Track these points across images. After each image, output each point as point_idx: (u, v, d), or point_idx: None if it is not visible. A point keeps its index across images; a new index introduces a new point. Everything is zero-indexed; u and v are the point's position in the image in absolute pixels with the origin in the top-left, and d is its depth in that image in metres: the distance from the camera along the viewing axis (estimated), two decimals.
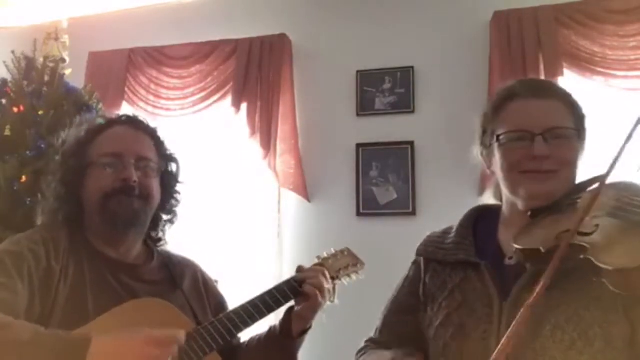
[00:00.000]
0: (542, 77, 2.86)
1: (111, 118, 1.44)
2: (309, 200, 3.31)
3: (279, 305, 1.32)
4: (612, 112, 2.75)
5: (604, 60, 2.94)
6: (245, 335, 1.39)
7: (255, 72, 3.41)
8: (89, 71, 3.68)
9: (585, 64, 2.96)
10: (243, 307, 1.29)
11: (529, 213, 1.07)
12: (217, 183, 3.49)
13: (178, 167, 1.46)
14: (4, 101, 2.66)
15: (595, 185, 0.98)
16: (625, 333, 0.94)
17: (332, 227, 3.20)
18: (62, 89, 2.74)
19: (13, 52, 2.76)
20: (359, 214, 3.23)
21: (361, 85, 3.33)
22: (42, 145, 2.51)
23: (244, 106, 3.40)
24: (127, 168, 1.30)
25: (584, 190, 1.05)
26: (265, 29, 3.46)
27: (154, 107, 3.61)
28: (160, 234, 1.45)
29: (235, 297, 1.42)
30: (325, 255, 1.48)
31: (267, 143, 3.30)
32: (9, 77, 2.73)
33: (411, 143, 3.20)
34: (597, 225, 0.93)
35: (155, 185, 1.35)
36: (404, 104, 3.25)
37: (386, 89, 3.29)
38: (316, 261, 1.46)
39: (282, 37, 3.42)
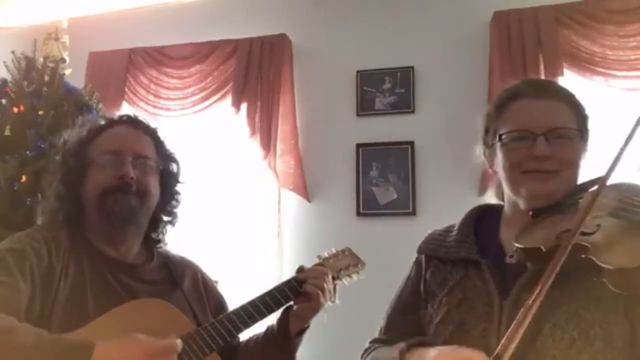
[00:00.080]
0: (542, 77, 2.86)
1: (112, 118, 1.45)
2: (309, 200, 3.31)
3: (279, 305, 1.32)
4: (612, 112, 2.75)
5: (604, 60, 2.94)
6: (244, 336, 1.39)
7: (255, 72, 3.41)
8: (89, 71, 3.68)
9: (585, 64, 2.97)
10: (243, 308, 1.29)
11: (530, 213, 1.07)
12: (217, 183, 3.49)
13: (178, 168, 1.46)
14: (4, 101, 2.66)
15: (597, 186, 0.98)
16: (625, 333, 0.94)
17: (332, 227, 3.20)
18: (62, 89, 2.74)
19: (13, 52, 2.76)
20: (359, 214, 3.23)
21: (361, 85, 3.33)
22: (42, 145, 2.51)
23: (244, 106, 3.40)
24: (125, 165, 1.30)
25: (586, 191, 1.05)
26: (265, 29, 3.46)
27: (154, 107, 3.61)
28: (160, 236, 1.44)
29: (235, 297, 1.42)
30: (326, 255, 1.48)
31: (267, 143, 3.31)
32: (9, 77, 2.73)
33: (411, 143, 3.20)
34: (598, 225, 0.93)
35: (153, 183, 1.35)
36: (404, 104, 3.25)
37: (386, 89, 3.29)
38: (317, 261, 1.46)
39: (282, 37, 3.42)
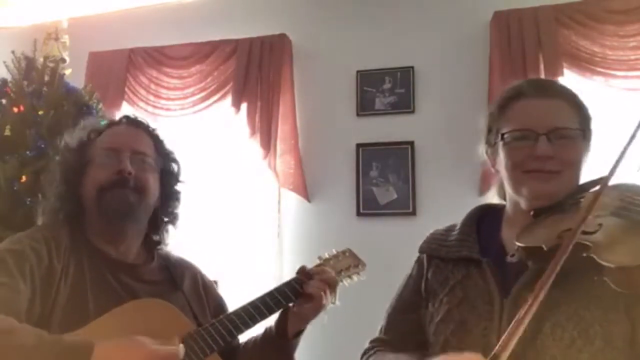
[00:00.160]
0: (542, 77, 2.86)
1: (112, 120, 1.47)
2: (309, 200, 3.31)
3: (280, 306, 1.32)
4: (612, 112, 2.75)
5: (604, 60, 2.94)
6: (244, 337, 1.39)
7: (255, 72, 3.41)
8: (89, 71, 3.68)
9: (585, 64, 2.97)
10: (244, 309, 1.28)
11: (532, 212, 1.07)
12: (217, 183, 3.49)
13: (178, 168, 1.46)
14: (4, 101, 2.66)
15: (599, 186, 0.98)
16: (625, 332, 0.94)
17: (332, 227, 3.20)
18: (62, 89, 2.74)
19: (13, 52, 2.76)
20: (359, 214, 3.23)
21: (361, 85, 3.33)
22: (42, 145, 2.51)
23: (244, 106, 3.40)
24: (123, 161, 1.31)
25: (587, 191, 1.05)
26: (265, 29, 3.46)
27: (154, 107, 3.61)
28: (161, 237, 1.44)
29: (235, 297, 1.42)
30: (326, 256, 1.48)
31: (267, 143, 3.31)
32: (9, 77, 2.73)
33: (411, 143, 3.20)
34: (600, 225, 0.93)
35: (152, 180, 1.35)
36: (404, 104, 3.25)
37: (386, 89, 3.29)
38: (317, 262, 1.46)
39: (282, 37, 3.42)
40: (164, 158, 1.42)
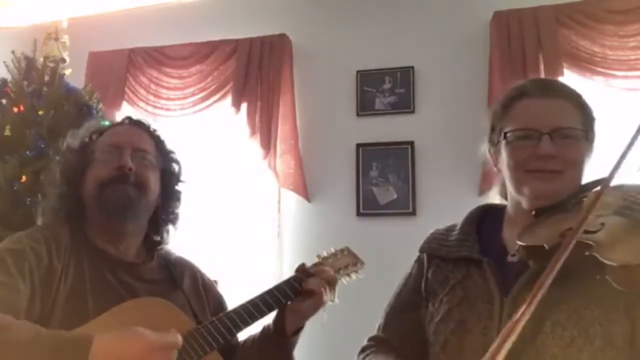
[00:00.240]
0: (542, 77, 2.86)
1: (115, 121, 1.49)
2: (309, 200, 3.31)
3: (279, 304, 1.32)
4: (612, 112, 2.75)
5: (604, 60, 2.94)
6: (243, 335, 1.39)
7: (255, 72, 3.41)
8: (89, 71, 3.68)
9: (585, 64, 2.97)
10: (243, 306, 1.28)
11: (533, 212, 1.07)
12: (217, 183, 3.49)
13: (179, 168, 1.47)
14: (4, 101, 2.67)
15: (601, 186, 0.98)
16: (625, 332, 0.94)
17: (332, 227, 3.20)
18: (62, 89, 2.74)
19: (13, 52, 2.77)
20: (359, 214, 3.23)
21: (361, 85, 3.33)
22: (42, 145, 2.51)
23: (244, 106, 3.40)
24: (123, 157, 1.32)
25: (590, 191, 1.05)
26: (265, 29, 3.46)
27: (154, 107, 3.61)
28: (160, 237, 1.44)
29: (235, 297, 1.42)
30: (325, 254, 1.48)
31: (267, 143, 3.31)
32: (9, 77, 2.73)
33: (411, 143, 3.20)
34: (602, 224, 0.93)
35: (152, 178, 1.35)
36: (404, 104, 3.25)
37: (386, 89, 3.29)
38: (316, 260, 1.46)
39: (282, 37, 3.42)
40: (165, 158, 1.43)
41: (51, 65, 2.78)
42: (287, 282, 1.34)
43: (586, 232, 0.91)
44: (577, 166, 1.08)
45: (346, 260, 1.49)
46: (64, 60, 2.85)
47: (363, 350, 1.24)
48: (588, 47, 2.97)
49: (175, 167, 1.46)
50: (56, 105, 2.65)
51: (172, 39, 3.64)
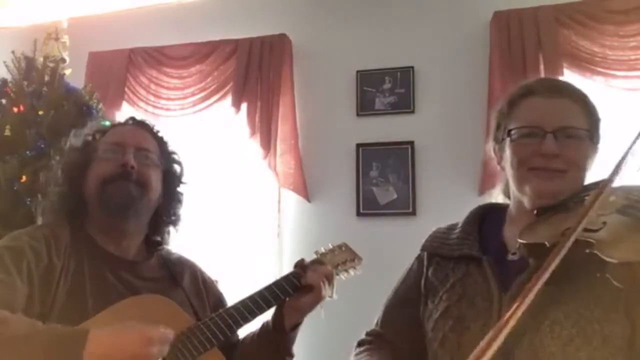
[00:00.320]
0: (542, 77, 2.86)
1: (118, 122, 1.50)
2: (309, 200, 3.31)
3: (278, 300, 1.32)
4: (612, 112, 2.75)
5: (604, 60, 2.94)
6: (243, 332, 1.39)
7: (255, 72, 3.41)
8: (89, 71, 3.68)
9: (585, 64, 2.97)
10: (242, 303, 1.29)
11: (535, 211, 1.07)
12: (217, 183, 3.49)
13: (181, 170, 1.47)
14: (4, 101, 2.67)
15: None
16: (624, 332, 0.94)
17: (332, 227, 3.20)
18: (62, 89, 2.75)
19: (13, 52, 2.77)
20: (359, 214, 3.23)
21: (361, 85, 3.33)
22: (42, 145, 2.52)
23: (244, 106, 3.40)
24: (126, 155, 1.32)
25: (592, 191, 1.05)
26: (265, 29, 3.46)
27: (154, 107, 3.61)
28: (161, 238, 1.44)
29: (235, 296, 1.42)
30: (323, 250, 1.49)
31: (267, 143, 3.31)
32: (9, 77, 2.74)
33: (411, 143, 3.20)
34: (604, 223, 0.93)
35: (153, 176, 1.36)
36: (404, 104, 3.25)
37: (386, 89, 3.29)
38: (314, 256, 1.46)
39: (282, 37, 3.42)
40: (168, 159, 1.43)
41: (51, 65, 2.78)
42: (286, 278, 1.35)
43: (588, 230, 0.91)
44: (580, 166, 1.08)
45: (344, 256, 1.49)
46: (64, 60, 2.85)
47: (360, 344, 1.25)
48: (588, 47, 2.97)
49: (178, 168, 1.46)
50: (56, 105, 2.65)
51: (172, 39, 3.64)
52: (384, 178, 3.22)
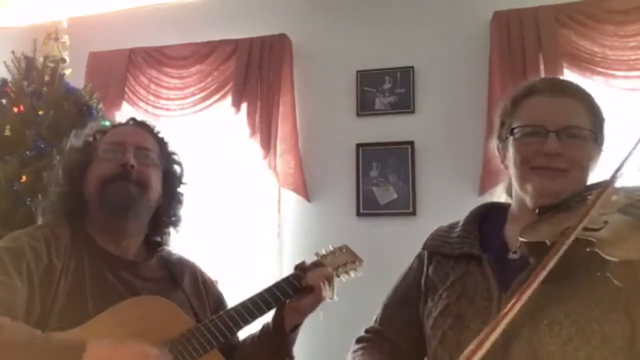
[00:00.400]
0: (542, 77, 2.86)
1: (119, 122, 1.50)
2: (309, 200, 3.31)
3: (278, 302, 1.32)
4: (613, 112, 2.75)
5: (604, 60, 2.94)
6: (243, 333, 1.39)
7: (255, 72, 3.41)
8: (89, 71, 3.68)
9: (585, 64, 2.97)
10: (243, 305, 1.29)
11: (537, 211, 1.07)
12: (217, 183, 3.49)
13: (182, 170, 1.47)
14: (4, 101, 2.67)
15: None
16: (624, 332, 0.94)
17: (332, 227, 3.20)
18: (62, 89, 2.75)
19: (13, 52, 2.77)
20: (359, 214, 3.23)
21: (361, 85, 3.33)
22: (42, 145, 2.52)
23: (244, 106, 3.40)
24: (126, 154, 1.32)
25: (594, 191, 1.05)
26: (265, 29, 3.46)
27: (154, 107, 3.61)
28: (161, 238, 1.44)
29: (235, 297, 1.42)
30: (323, 252, 1.48)
31: (267, 143, 3.31)
32: (9, 77, 2.74)
33: (411, 143, 3.20)
34: (605, 222, 0.93)
35: (153, 176, 1.36)
36: (404, 104, 3.25)
37: (386, 89, 3.29)
38: (315, 258, 1.46)
39: (282, 37, 3.42)
40: (168, 159, 1.43)
41: (51, 65, 2.78)
42: (286, 280, 1.34)
43: (589, 229, 0.91)
44: (583, 166, 1.07)
45: (345, 258, 1.49)
46: (64, 60, 2.85)
47: (359, 340, 1.25)
48: (588, 47, 2.97)
49: (178, 169, 1.46)
50: (56, 105, 2.65)
51: (172, 39, 3.64)
52: (384, 178, 3.22)
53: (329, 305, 1.37)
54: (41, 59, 2.78)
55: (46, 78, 2.75)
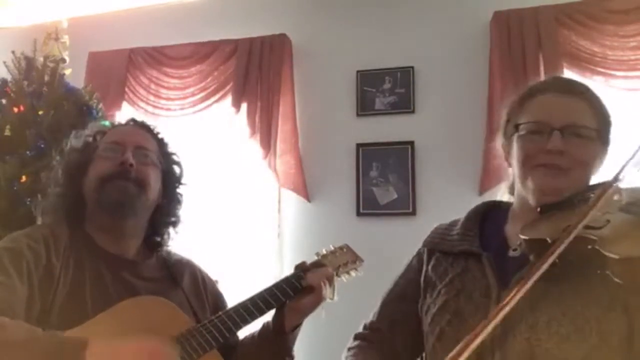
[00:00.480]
0: (542, 78, 2.86)
1: (119, 122, 1.51)
2: (309, 200, 3.31)
3: (278, 302, 1.32)
4: (613, 112, 2.75)
5: (604, 60, 2.94)
6: (243, 333, 1.39)
7: (255, 72, 3.41)
8: (89, 71, 3.68)
9: (585, 64, 2.97)
10: (243, 305, 1.29)
11: (539, 209, 1.07)
12: (217, 183, 3.49)
13: (181, 171, 1.47)
14: (4, 101, 2.67)
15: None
16: (622, 331, 0.94)
17: (332, 227, 3.20)
18: (62, 89, 2.74)
19: (13, 52, 2.77)
20: (359, 214, 3.23)
21: (361, 85, 3.33)
22: (42, 145, 2.51)
23: (244, 106, 3.40)
24: (125, 153, 1.32)
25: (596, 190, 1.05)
26: (265, 29, 3.46)
27: (154, 107, 3.61)
28: (161, 239, 1.44)
29: (235, 297, 1.42)
30: (324, 251, 1.48)
31: (267, 143, 3.31)
32: (9, 77, 2.73)
33: (411, 143, 3.20)
34: (607, 221, 0.93)
35: (152, 175, 1.36)
36: (404, 104, 3.26)
37: (386, 89, 3.29)
38: (315, 258, 1.46)
39: (282, 37, 3.42)
40: (167, 159, 1.43)
41: (51, 65, 2.78)
42: (287, 280, 1.34)
43: (590, 228, 0.91)
44: (586, 166, 1.07)
45: (345, 257, 1.49)
46: (64, 60, 2.85)
47: (356, 337, 1.25)
48: (588, 47, 2.97)
49: (177, 169, 1.46)
50: (56, 105, 2.65)
51: (172, 39, 3.64)
52: (384, 178, 3.22)
53: (329, 305, 1.37)
54: (41, 59, 2.78)
55: (46, 78, 2.75)
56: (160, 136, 1.45)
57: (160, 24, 3.71)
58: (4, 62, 2.75)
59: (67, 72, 2.87)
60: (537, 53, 3.00)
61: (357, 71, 3.34)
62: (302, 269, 1.37)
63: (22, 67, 2.73)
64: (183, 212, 1.47)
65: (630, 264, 0.86)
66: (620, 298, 0.94)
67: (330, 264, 1.43)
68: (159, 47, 3.65)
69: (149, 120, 1.51)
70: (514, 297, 0.82)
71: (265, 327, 1.37)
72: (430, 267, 1.18)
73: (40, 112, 2.60)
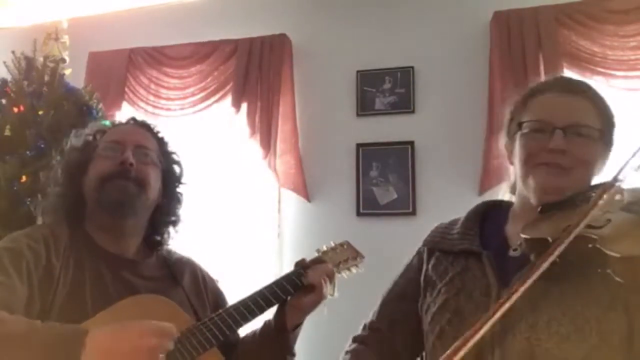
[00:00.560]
0: (542, 78, 2.85)
1: (119, 122, 1.50)
2: (309, 200, 3.31)
3: (279, 300, 1.32)
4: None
5: (604, 60, 2.94)
6: (244, 330, 1.39)
7: (255, 72, 3.41)
8: (89, 71, 3.68)
9: (585, 64, 2.97)
10: (243, 303, 1.28)
11: (540, 208, 1.07)
12: (217, 183, 3.49)
13: (181, 170, 1.47)
14: (4, 101, 2.67)
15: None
16: (622, 331, 0.94)
17: (332, 227, 3.20)
18: (62, 89, 2.74)
19: (13, 52, 2.77)
20: (359, 214, 3.23)
21: (361, 85, 3.33)
22: (42, 145, 2.51)
23: (244, 106, 3.41)
24: (125, 153, 1.32)
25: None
26: (265, 29, 3.46)
27: (154, 107, 3.61)
28: (161, 238, 1.44)
29: (235, 297, 1.42)
30: (324, 248, 1.48)
31: (267, 143, 3.31)
32: (9, 77, 2.73)
33: (411, 143, 3.20)
34: (609, 220, 0.93)
35: (152, 174, 1.36)
36: (404, 104, 3.26)
37: (386, 89, 3.29)
38: (316, 255, 1.46)
39: (282, 37, 3.42)
40: (167, 159, 1.43)
41: (51, 65, 2.78)
42: (287, 277, 1.34)
43: (592, 227, 0.91)
44: (587, 166, 1.07)
45: (346, 254, 1.49)
46: (64, 60, 2.85)
47: (354, 340, 1.25)
48: (588, 47, 2.97)
49: (177, 168, 1.46)
50: (56, 105, 2.65)
51: (172, 39, 3.64)
52: (384, 178, 3.22)
53: (329, 305, 1.37)
54: (41, 59, 2.78)
55: (46, 78, 2.75)
56: (160, 135, 1.45)
57: (160, 24, 3.71)
58: (4, 62, 2.75)
59: (67, 72, 2.87)
60: (537, 53, 3.00)
61: (357, 71, 3.34)
62: (302, 266, 1.37)
63: (22, 67, 2.73)
64: (183, 211, 1.47)
65: (631, 263, 0.86)
66: (620, 297, 0.94)
67: (330, 260, 1.43)
68: (159, 47, 3.66)
69: (149, 120, 1.51)
70: (515, 293, 0.82)
71: (266, 325, 1.37)
72: (430, 266, 1.18)
73: (40, 112, 2.60)
